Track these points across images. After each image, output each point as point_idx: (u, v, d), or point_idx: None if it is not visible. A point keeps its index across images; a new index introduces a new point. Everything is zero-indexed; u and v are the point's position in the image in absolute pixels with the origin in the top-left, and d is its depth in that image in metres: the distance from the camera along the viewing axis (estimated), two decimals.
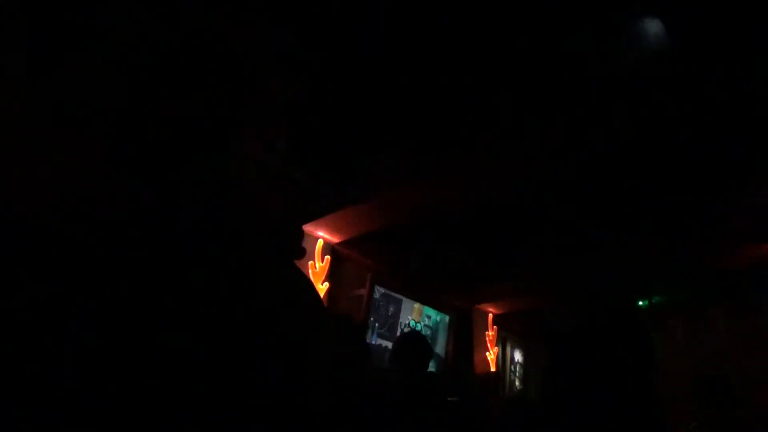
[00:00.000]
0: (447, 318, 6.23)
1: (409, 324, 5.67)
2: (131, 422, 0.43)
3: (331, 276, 4.87)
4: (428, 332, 5.83)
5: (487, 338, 6.75)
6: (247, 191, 0.68)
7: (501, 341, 7.05)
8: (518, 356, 7.44)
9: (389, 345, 5.07)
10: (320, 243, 4.85)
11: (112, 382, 0.43)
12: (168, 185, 0.53)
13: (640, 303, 6.54)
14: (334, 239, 4.99)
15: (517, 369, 7.37)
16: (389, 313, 5.50)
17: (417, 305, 5.85)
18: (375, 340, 5.28)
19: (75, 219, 0.46)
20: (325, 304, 4.72)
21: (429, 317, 6.00)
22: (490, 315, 6.88)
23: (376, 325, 5.35)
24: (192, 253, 0.52)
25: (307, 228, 4.78)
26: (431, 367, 3.54)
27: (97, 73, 0.52)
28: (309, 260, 4.75)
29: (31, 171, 0.47)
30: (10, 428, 0.39)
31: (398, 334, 5.29)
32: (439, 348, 6.02)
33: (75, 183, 0.48)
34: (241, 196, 0.66)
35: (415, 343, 2.86)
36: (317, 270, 4.77)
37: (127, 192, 0.50)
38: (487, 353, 6.68)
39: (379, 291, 5.39)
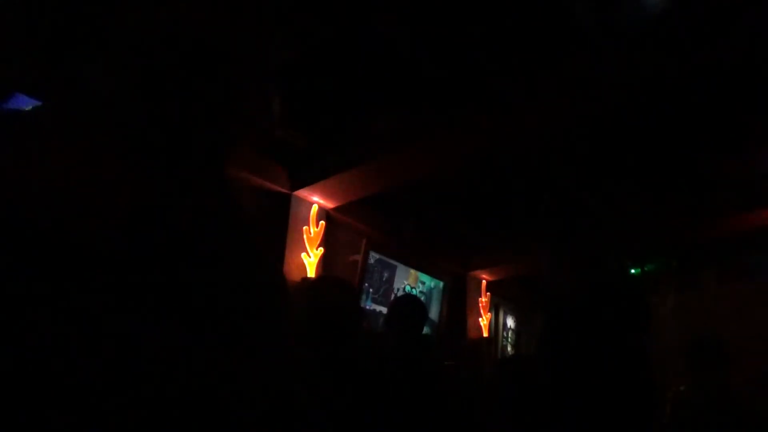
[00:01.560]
0: (441, 284, 6.27)
1: (403, 289, 5.70)
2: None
3: (326, 241, 4.87)
4: (422, 298, 5.87)
5: (480, 304, 6.81)
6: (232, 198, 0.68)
7: (494, 307, 7.12)
8: (511, 322, 7.52)
9: (383, 310, 5.11)
10: (315, 208, 4.83)
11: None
12: (170, 184, 0.54)
13: (633, 271, 6.60)
14: (329, 204, 4.97)
15: (510, 335, 7.47)
16: (383, 279, 5.52)
17: (411, 271, 5.88)
18: (369, 306, 5.31)
19: (82, 218, 0.47)
20: (320, 269, 4.73)
21: (423, 283, 6.03)
22: (484, 281, 6.93)
23: (371, 290, 5.38)
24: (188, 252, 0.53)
25: (302, 193, 4.76)
26: (425, 332, 3.56)
27: (103, 79, 0.53)
28: (304, 225, 4.73)
29: (41, 172, 0.48)
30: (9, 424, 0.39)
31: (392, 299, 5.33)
32: (433, 314, 6.07)
33: (83, 184, 0.49)
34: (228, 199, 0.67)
35: (410, 305, 2.86)
36: (312, 235, 4.75)
37: (131, 192, 0.51)
38: (480, 319, 6.75)
39: (373, 257, 5.40)
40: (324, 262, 4.81)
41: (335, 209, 5.04)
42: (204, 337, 0.51)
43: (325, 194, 4.80)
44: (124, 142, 0.52)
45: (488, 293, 6.94)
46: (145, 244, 0.49)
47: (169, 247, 0.51)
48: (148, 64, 0.52)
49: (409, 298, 3.01)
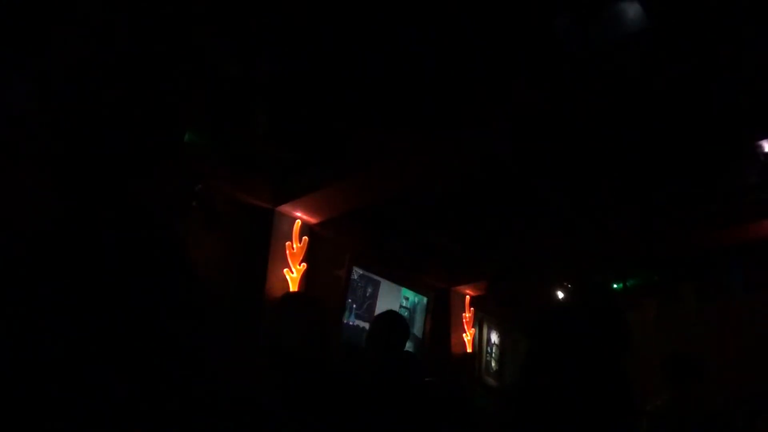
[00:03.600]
0: (425, 299, 6.27)
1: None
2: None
3: (309, 257, 4.85)
4: (406, 313, 5.86)
5: (464, 320, 6.81)
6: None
7: (478, 323, 7.12)
8: (494, 337, 7.52)
9: (366, 326, 5.09)
10: (298, 224, 4.81)
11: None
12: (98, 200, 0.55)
13: (615, 286, 6.65)
14: (313, 220, 4.95)
15: (493, 350, 7.46)
16: (367, 295, 5.51)
17: (395, 287, 5.87)
18: (353, 322, 5.29)
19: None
20: (303, 285, 4.70)
21: (407, 299, 6.02)
22: (468, 297, 6.93)
23: (354, 306, 5.36)
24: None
25: (285, 208, 4.75)
26: (408, 348, 3.56)
27: (27, 98, 0.55)
28: (286, 241, 4.72)
29: None
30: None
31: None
32: (417, 329, 6.06)
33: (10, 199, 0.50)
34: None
35: (392, 322, 2.86)
36: (295, 251, 4.74)
37: (57, 206, 0.52)
38: (464, 334, 6.74)
39: (357, 272, 5.39)
40: (307, 278, 4.79)
41: (318, 224, 5.03)
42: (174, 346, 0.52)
43: (308, 209, 4.80)
44: (48, 162, 0.53)
45: (472, 308, 6.94)
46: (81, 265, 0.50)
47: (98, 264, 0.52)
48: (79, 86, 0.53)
49: (390, 315, 3.00)
